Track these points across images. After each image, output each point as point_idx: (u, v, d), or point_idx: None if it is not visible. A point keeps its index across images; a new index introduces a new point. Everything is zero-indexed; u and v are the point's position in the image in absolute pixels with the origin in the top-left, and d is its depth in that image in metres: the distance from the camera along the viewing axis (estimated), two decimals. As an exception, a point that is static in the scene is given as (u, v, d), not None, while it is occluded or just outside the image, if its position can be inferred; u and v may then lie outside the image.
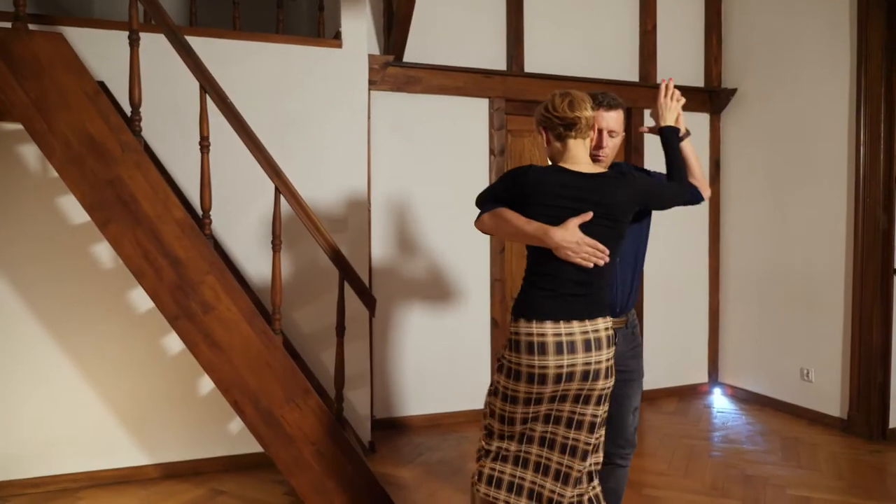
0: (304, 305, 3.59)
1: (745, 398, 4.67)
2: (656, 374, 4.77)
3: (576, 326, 1.90)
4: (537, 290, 1.95)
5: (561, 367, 1.87)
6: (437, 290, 4.14)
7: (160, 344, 3.34)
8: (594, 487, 2.01)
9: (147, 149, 3.08)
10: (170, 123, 3.30)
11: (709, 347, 4.95)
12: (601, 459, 2.05)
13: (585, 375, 1.90)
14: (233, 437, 3.47)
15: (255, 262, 3.50)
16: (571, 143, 1.99)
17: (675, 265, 4.82)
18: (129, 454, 3.33)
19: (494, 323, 4.28)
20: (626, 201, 1.97)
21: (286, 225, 3.40)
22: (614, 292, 2.17)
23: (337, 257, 2.80)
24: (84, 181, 2.47)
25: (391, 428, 4.05)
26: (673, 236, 4.78)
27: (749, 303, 4.67)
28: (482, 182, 4.21)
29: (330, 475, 2.77)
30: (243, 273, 3.47)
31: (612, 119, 2.23)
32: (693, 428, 4.10)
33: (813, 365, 4.18)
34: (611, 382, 1.96)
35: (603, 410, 1.97)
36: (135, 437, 3.33)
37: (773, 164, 4.43)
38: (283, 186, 2.71)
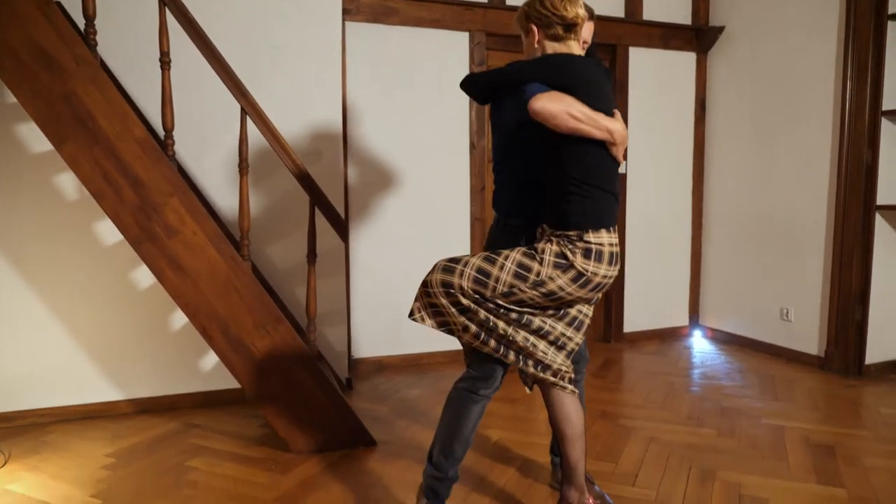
0: (277, 240, 3.51)
1: (725, 339, 4.68)
2: (637, 316, 4.77)
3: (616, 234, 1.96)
4: (607, 194, 1.90)
5: (614, 276, 1.95)
6: (416, 228, 4.07)
7: (130, 278, 3.26)
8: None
9: (106, 69, 2.95)
10: (134, 51, 3.17)
11: (690, 290, 4.93)
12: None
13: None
14: (208, 372, 3.42)
15: (225, 194, 3.40)
16: (572, 44, 1.95)
17: (659, 208, 4.77)
18: (100, 390, 3.27)
19: (474, 263, 4.21)
20: None
21: (259, 157, 3.32)
22: None
23: (306, 180, 2.72)
24: (37, 97, 2.35)
25: (369, 367, 4.02)
26: (656, 179, 4.72)
27: (732, 245, 4.64)
28: (462, 119, 4.11)
29: (303, 404, 2.73)
30: (213, 205, 3.38)
31: (588, 29, 2.16)
32: (672, 367, 4.09)
33: (793, 304, 4.17)
34: None
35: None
36: (106, 373, 3.27)
37: (760, 103, 4.35)
38: (248, 106, 2.61)
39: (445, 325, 1.98)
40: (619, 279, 4.67)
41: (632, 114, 4.55)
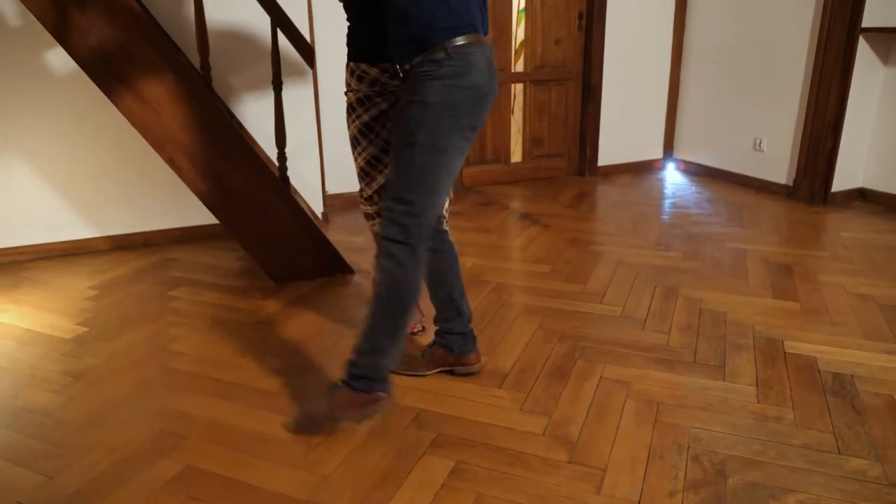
0: (242, 71, 3.35)
1: (697, 171, 4.73)
2: (612, 150, 4.76)
3: None
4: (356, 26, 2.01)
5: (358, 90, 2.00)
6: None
7: (92, 113, 3.12)
8: None
9: None
10: None
11: (666, 123, 4.88)
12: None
13: None
14: (183, 208, 3.40)
15: (179, 19, 3.18)
16: None
17: (639, 40, 4.58)
18: (75, 227, 3.26)
19: (448, 96, 4.10)
20: None
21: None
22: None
23: (268, 2, 2.54)
24: None
25: (344, 202, 4.02)
26: (638, 8, 4.49)
27: (710, 76, 4.54)
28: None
29: (276, 232, 2.75)
30: (168, 33, 3.17)
31: None
32: (644, 197, 4.16)
33: (766, 135, 4.18)
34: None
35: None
36: (80, 211, 3.24)
37: (751, -84, 4.06)
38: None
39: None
40: (594, 112, 4.60)
41: (616, -70, 4.25)
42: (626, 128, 4.76)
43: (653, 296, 2.64)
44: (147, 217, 3.37)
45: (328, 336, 2.36)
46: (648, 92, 4.77)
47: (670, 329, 2.35)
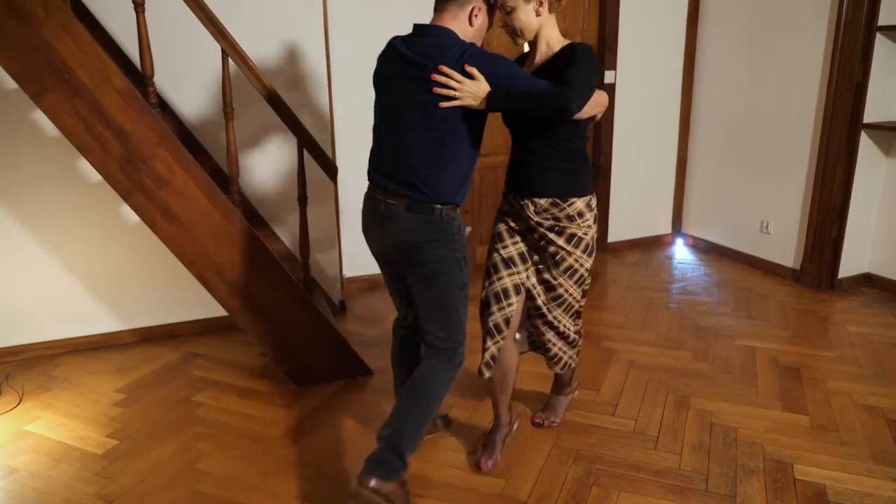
0: (267, 169, 3.49)
1: (705, 248, 4.82)
2: (622, 226, 4.86)
3: None
4: (587, 163, 2.19)
5: None
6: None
7: (119, 211, 3.26)
8: None
9: (84, 11, 2.80)
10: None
11: (674, 198, 5.00)
12: None
13: None
14: (206, 300, 3.48)
15: (210, 123, 3.33)
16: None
17: (646, 115, 4.72)
18: (103, 321, 3.36)
19: (462, 181, 4.22)
20: None
21: (238, 83, 3.21)
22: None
23: (295, 125, 2.67)
24: (8, 48, 2.24)
25: (361, 286, 4.12)
26: (645, 83, 4.63)
27: (717, 154, 4.66)
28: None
29: (301, 340, 2.85)
30: (198, 137, 3.32)
31: None
32: (654, 280, 4.25)
33: (773, 217, 4.28)
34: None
35: None
36: (107, 304, 3.35)
37: (753, 7, 4.21)
38: (229, 48, 2.51)
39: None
40: (604, 191, 4.72)
41: (623, 13, 4.41)
42: (635, 204, 4.87)
43: (664, 406, 2.71)
44: (172, 309, 3.48)
45: (348, 453, 2.43)
46: (657, 168, 4.89)
47: (682, 449, 2.42)
